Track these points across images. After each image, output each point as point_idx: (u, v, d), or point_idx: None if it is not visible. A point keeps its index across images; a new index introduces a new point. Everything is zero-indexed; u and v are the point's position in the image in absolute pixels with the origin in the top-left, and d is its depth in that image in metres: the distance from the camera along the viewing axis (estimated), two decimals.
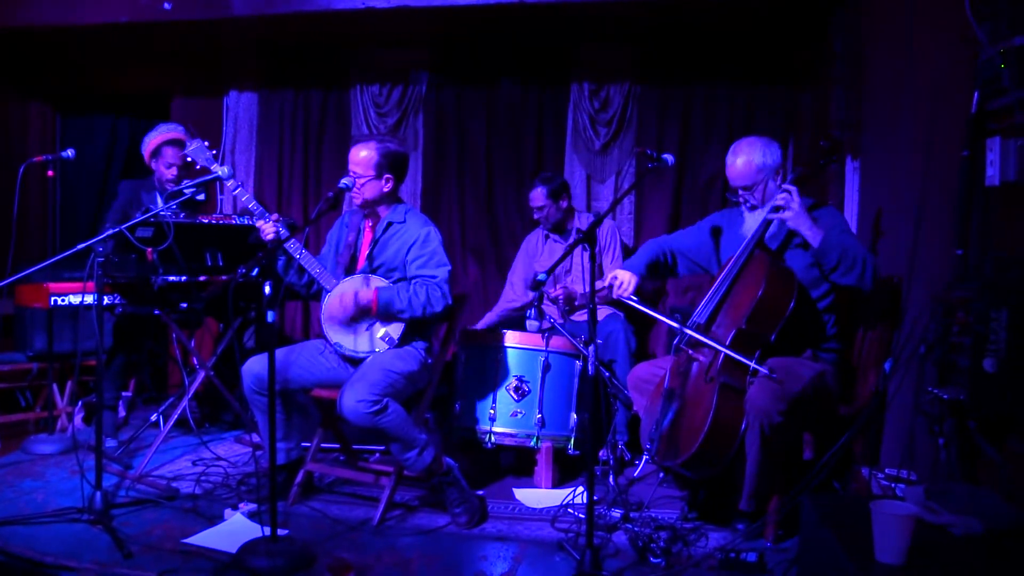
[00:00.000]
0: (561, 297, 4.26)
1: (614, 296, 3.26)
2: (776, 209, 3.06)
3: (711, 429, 2.87)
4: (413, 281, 3.30)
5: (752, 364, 2.86)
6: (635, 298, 3.21)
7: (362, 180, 3.35)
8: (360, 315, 3.28)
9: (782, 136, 4.78)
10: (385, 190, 3.40)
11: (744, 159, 3.19)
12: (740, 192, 3.24)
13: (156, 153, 4.40)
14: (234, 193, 3.39)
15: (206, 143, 3.47)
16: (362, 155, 3.36)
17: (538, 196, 4.49)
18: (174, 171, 4.40)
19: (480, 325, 4.58)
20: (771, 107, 4.98)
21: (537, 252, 4.63)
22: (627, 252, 4.79)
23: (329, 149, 5.53)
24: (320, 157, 5.56)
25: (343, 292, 3.27)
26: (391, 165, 3.39)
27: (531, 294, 4.65)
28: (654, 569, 2.77)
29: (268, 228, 3.27)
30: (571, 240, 4.44)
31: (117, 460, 3.85)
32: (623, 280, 3.25)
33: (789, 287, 3.00)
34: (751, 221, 3.23)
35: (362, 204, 3.41)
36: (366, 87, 5.38)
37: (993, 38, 2.45)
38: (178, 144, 4.40)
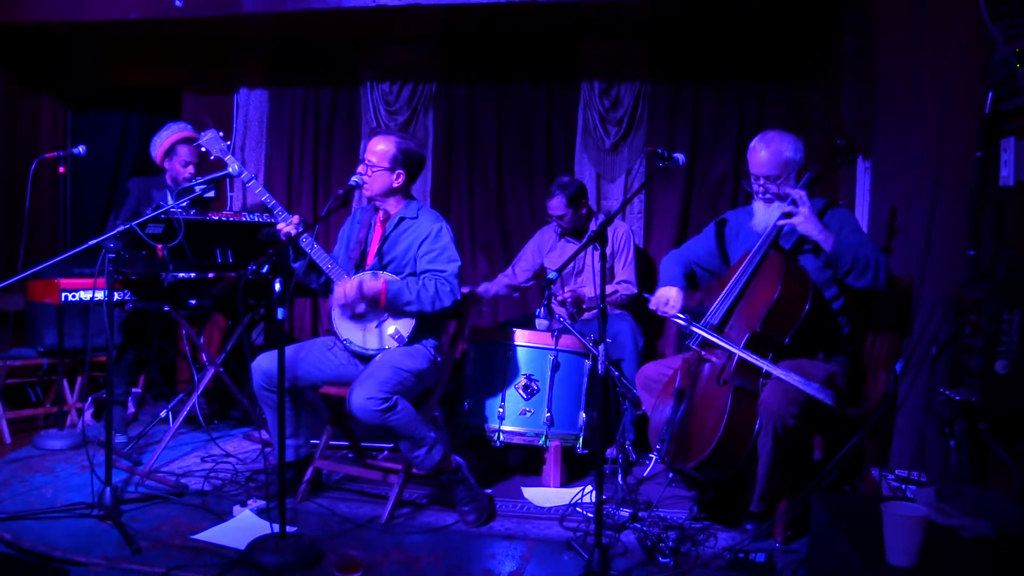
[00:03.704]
0: (569, 300, 4.24)
1: (660, 314, 3.23)
2: (786, 216, 3.05)
3: (725, 433, 2.85)
4: (422, 275, 3.30)
5: (766, 366, 2.85)
6: (682, 316, 3.13)
7: (374, 171, 3.36)
8: (368, 306, 3.27)
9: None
10: (395, 185, 3.41)
11: (773, 149, 3.14)
12: (761, 181, 3.16)
13: (170, 152, 4.38)
14: (247, 184, 3.39)
15: (220, 133, 3.47)
16: (380, 147, 3.38)
17: (558, 205, 4.37)
18: (191, 169, 4.39)
19: (479, 290, 4.51)
20: (781, 106, 4.97)
21: (550, 248, 4.58)
22: (639, 253, 4.78)
23: (339, 147, 5.54)
24: (330, 155, 5.56)
25: (349, 283, 3.25)
26: (405, 161, 3.40)
27: (527, 280, 4.65)
28: (663, 569, 2.76)
29: (284, 228, 3.28)
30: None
31: (126, 456, 3.86)
32: (669, 298, 3.23)
33: (805, 289, 2.99)
34: (763, 214, 3.18)
35: (370, 196, 3.43)
36: (376, 84, 5.38)
37: (1008, 37, 2.43)
38: (191, 142, 4.40)
